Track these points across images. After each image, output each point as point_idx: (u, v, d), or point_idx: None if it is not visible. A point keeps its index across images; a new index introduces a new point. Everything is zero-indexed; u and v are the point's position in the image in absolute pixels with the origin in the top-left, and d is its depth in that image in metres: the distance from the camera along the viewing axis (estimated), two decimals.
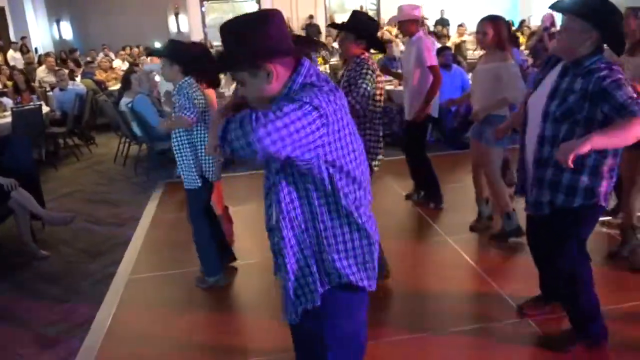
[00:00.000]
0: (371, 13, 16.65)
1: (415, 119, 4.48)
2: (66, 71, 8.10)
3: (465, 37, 12.08)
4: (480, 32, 3.71)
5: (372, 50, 3.62)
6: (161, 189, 5.91)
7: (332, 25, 3.93)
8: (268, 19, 1.55)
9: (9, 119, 6.46)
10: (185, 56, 3.40)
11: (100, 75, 9.48)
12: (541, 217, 2.59)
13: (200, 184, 3.46)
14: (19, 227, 4.27)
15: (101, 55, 12.84)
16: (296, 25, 15.87)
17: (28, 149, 4.80)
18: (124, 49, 12.45)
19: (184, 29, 15.76)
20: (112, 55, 13.18)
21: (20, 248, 4.32)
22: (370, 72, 3.16)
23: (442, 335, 2.96)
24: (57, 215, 4.47)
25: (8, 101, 7.21)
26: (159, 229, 4.83)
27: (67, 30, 15.37)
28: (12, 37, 13.71)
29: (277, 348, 2.85)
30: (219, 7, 17.15)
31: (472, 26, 14.08)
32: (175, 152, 3.45)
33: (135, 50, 12.59)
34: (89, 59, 12.16)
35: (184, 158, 3.42)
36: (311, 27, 15.55)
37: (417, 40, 4.37)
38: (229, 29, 1.58)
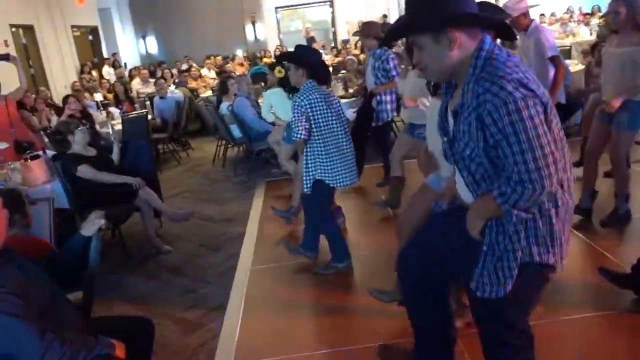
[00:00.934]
0: None
1: None
2: (164, 81, 8.55)
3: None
4: (612, 12, 3.58)
5: None
6: (263, 187, 6.12)
7: None
8: None
9: (118, 127, 6.93)
10: (309, 60, 3.56)
11: (191, 84, 9.95)
12: None
13: (309, 188, 3.59)
14: (144, 224, 4.58)
15: (185, 66, 13.47)
16: None
17: (148, 151, 5.13)
18: (208, 57, 13.00)
19: (261, 36, 16.21)
20: (194, 65, 13.78)
21: (145, 243, 4.64)
22: None
23: (571, 320, 2.91)
24: (178, 211, 4.75)
25: (115, 110, 7.74)
26: (270, 224, 5.02)
27: (152, 45, 16.23)
28: (105, 54, 14.64)
29: (395, 332, 2.96)
30: (288, 14, 17.50)
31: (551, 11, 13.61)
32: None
33: (219, 59, 13.11)
34: (175, 70, 12.79)
35: (304, 163, 3.59)
36: (385, 27, 15.52)
37: (533, 32, 4.26)
38: None
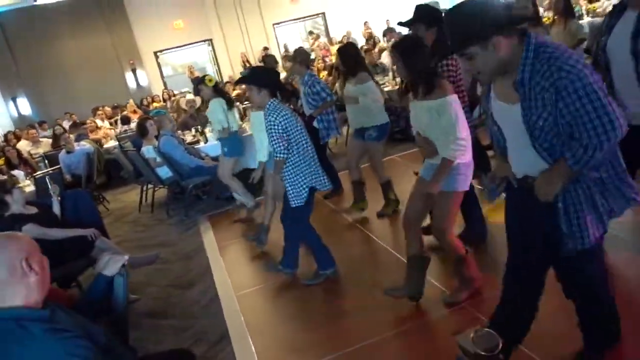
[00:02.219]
0: (316, 31, 17.22)
1: None
2: (69, 135, 8.05)
3: None
4: None
5: None
6: (206, 221, 5.98)
7: (400, 23, 4.09)
8: None
9: (31, 188, 6.40)
10: (270, 79, 3.64)
11: (91, 136, 9.45)
12: None
13: (306, 199, 3.66)
14: None
15: (66, 122, 12.68)
16: (252, 58, 16.21)
17: (89, 199, 4.84)
18: (97, 108, 12.41)
19: (144, 83, 15.78)
20: (76, 120, 13.03)
21: None
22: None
23: None
24: (141, 256, 4.51)
25: (19, 173, 7.14)
26: (232, 253, 4.95)
27: (24, 106, 15.06)
28: None
29: (399, 323, 3.15)
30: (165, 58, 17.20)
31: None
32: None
33: (108, 109, 12.56)
34: (57, 125, 11.96)
35: (289, 178, 3.63)
36: (268, 58, 15.84)
37: None
38: (460, 11, 1.91)
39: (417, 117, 3.07)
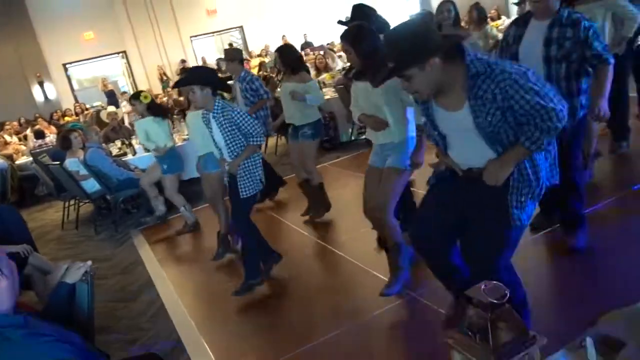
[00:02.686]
0: (235, 45, 17.22)
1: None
2: None
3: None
4: None
5: None
6: (139, 234, 5.82)
7: (340, 22, 4.24)
8: (427, 23, 2.12)
9: None
10: (211, 76, 3.66)
11: (2, 151, 8.86)
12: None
13: (255, 191, 3.68)
14: (39, 293, 4.06)
15: None
16: (169, 70, 15.91)
17: (15, 214, 4.57)
18: (4, 123, 11.65)
19: (52, 96, 14.98)
20: None
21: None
22: None
23: None
24: None
25: None
26: (172, 264, 4.88)
27: None
28: None
29: (352, 317, 3.25)
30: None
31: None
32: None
33: (15, 123, 11.82)
34: None
35: (243, 168, 3.61)
36: (184, 71, 15.69)
37: None
38: (397, 35, 2.09)
39: (366, 100, 3.15)
